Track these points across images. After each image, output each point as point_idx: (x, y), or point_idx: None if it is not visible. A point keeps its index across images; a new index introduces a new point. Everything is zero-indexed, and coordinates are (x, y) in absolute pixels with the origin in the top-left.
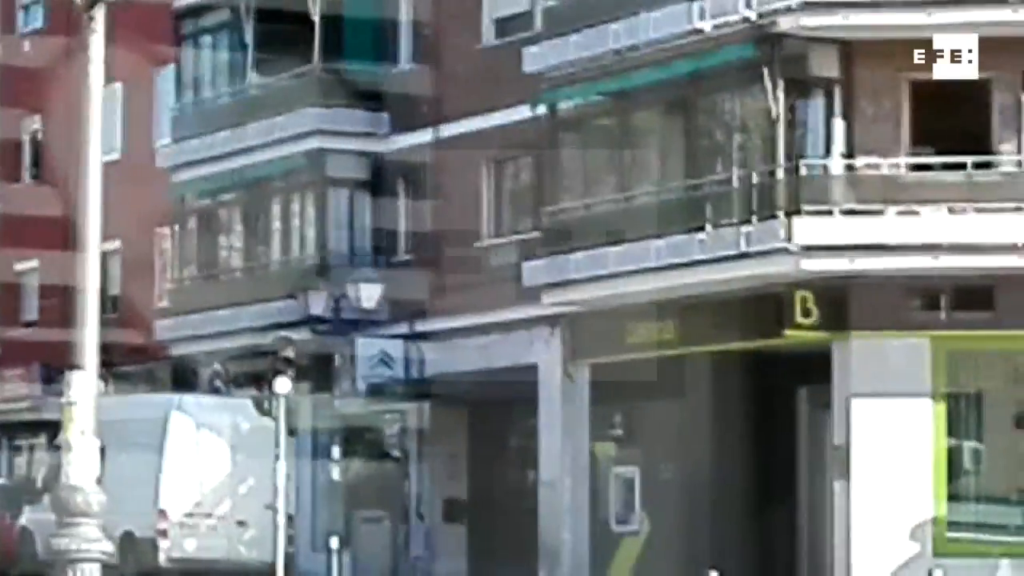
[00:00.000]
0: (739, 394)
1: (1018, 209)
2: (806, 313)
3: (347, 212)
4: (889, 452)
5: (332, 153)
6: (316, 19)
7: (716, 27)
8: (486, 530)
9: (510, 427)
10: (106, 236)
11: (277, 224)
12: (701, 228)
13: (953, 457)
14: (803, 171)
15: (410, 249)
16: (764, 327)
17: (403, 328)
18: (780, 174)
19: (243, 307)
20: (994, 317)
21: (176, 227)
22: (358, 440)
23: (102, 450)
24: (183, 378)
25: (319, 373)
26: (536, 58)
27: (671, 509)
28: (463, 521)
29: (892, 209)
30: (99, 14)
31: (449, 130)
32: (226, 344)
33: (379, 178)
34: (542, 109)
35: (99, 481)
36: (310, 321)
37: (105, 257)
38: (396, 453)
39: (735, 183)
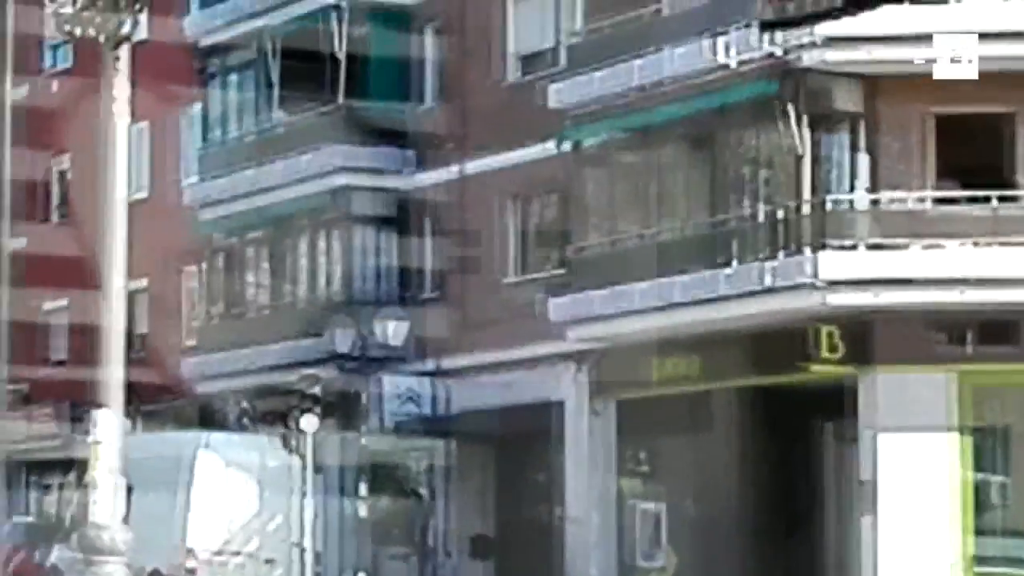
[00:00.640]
0: (765, 429)
1: None
2: (832, 348)
3: (372, 249)
4: (915, 487)
5: (357, 190)
6: (341, 57)
7: (740, 62)
8: (513, 567)
9: (536, 463)
10: (133, 275)
11: (303, 262)
12: (726, 263)
13: (979, 491)
14: (828, 206)
15: (435, 286)
16: (789, 362)
17: (429, 365)
18: (805, 209)
19: (269, 345)
20: (1020, 351)
21: (202, 265)
22: (385, 477)
23: (129, 488)
24: (210, 416)
25: (345, 410)
26: (561, 94)
27: (697, 545)
28: (490, 558)
29: (917, 243)
30: (124, 54)
31: (474, 167)
32: (252, 382)
33: (404, 215)
34: (567, 145)
35: (125, 520)
36: (336, 358)
37: (132, 296)
38: (423, 490)
39: (760, 218)
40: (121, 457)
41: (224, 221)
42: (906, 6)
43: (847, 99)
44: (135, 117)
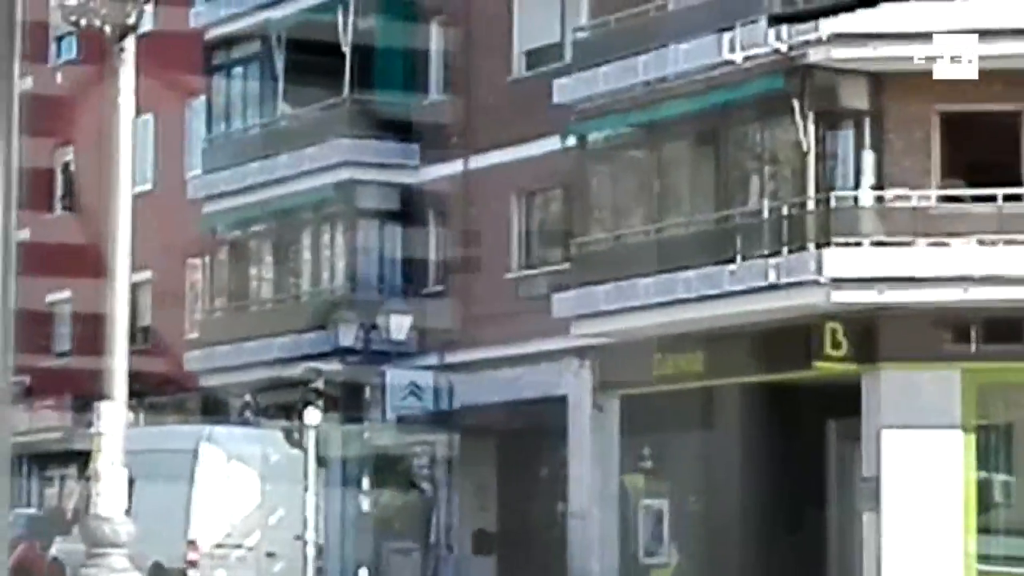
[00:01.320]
0: (768, 426)
1: None
2: (836, 345)
3: (377, 243)
4: (919, 484)
5: (362, 184)
6: (347, 51)
7: (746, 59)
8: (515, 562)
9: (539, 458)
10: (137, 267)
11: (307, 255)
12: (731, 260)
13: (983, 490)
14: (833, 203)
15: (440, 280)
16: (793, 359)
17: (433, 359)
18: (810, 206)
19: (273, 338)
20: None
21: (206, 258)
22: (388, 471)
23: (130, 481)
24: (213, 409)
25: (349, 404)
26: (566, 90)
27: (700, 541)
28: (492, 553)
29: (922, 241)
30: (129, 45)
31: (479, 161)
32: (256, 375)
33: (409, 209)
34: (572, 141)
35: (127, 512)
36: (340, 352)
37: (136, 288)
38: (425, 484)
39: (765, 215)
40: (124, 449)
41: (228, 214)
42: (913, 3)
43: (853, 96)
44: (140, 109)
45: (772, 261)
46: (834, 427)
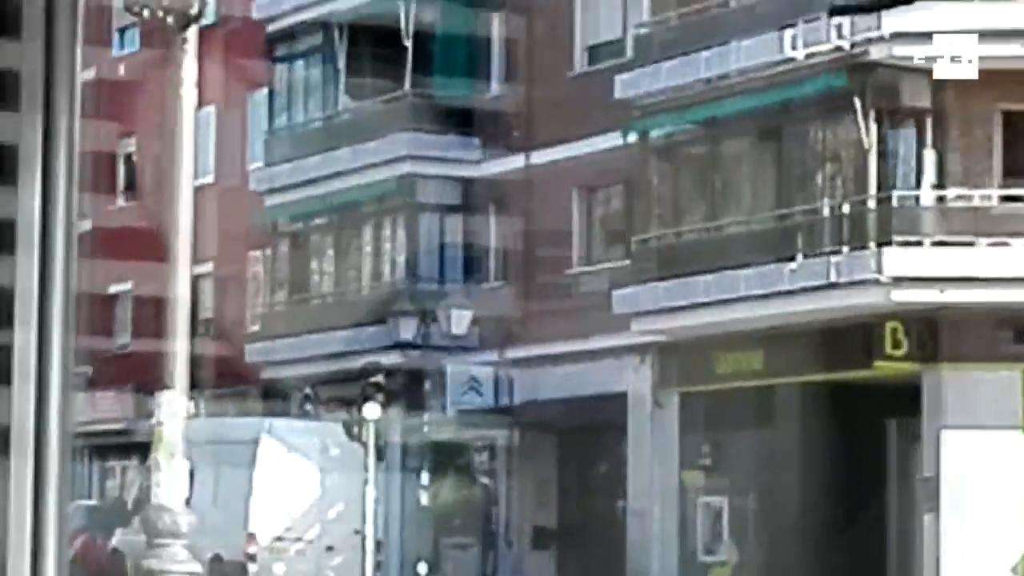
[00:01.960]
0: (827, 425)
1: None
2: (896, 344)
3: (438, 237)
4: (979, 485)
5: (423, 178)
6: (408, 44)
7: (808, 56)
8: (574, 558)
9: (599, 455)
10: (198, 259)
11: (368, 249)
12: (791, 258)
13: None
14: (894, 202)
15: (500, 275)
16: (853, 358)
17: (493, 354)
18: (871, 204)
19: (333, 331)
20: None
21: (268, 251)
22: (447, 466)
23: (191, 472)
24: (273, 401)
25: (409, 398)
26: (627, 85)
27: (759, 539)
28: (551, 549)
29: (983, 241)
30: (192, 36)
31: (540, 156)
32: (316, 368)
33: (469, 203)
34: (633, 137)
35: (188, 502)
36: (400, 346)
37: (197, 280)
38: (485, 479)
39: (826, 213)
40: (184, 440)
41: (290, 207)
42: (976, 3)
43: (915, 94)
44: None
45: (832, 260)
46: (894, 427)
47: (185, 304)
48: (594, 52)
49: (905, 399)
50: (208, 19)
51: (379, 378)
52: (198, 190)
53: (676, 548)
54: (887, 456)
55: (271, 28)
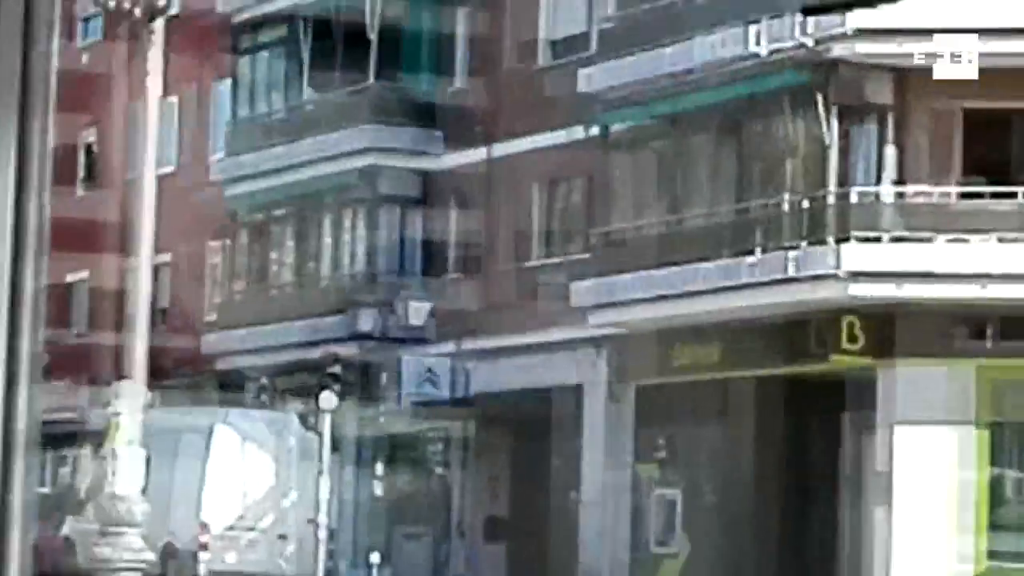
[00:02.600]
0: (783, 418)
1: None
2: (852, 339)
3: (398, 229)
4: (931, 480)
5: (384, 170)
6: (373, 37)
7: (771, 52)
8: (527, 550)
9: (553, 447)
10: (157, 248)
11: (327, 240)
12: (750, 252)
13: (995, 486)
14: (853, 197)
15: (459, 267)
16: (810, 352)
17: (450, 346)
18: (831, 200)
19: (292, 322)
20: None
21: (227, 241)
22: (402, 457)
23: (147, 460)
24: (230, 391)
25: (365, 389)
26: (591, 79)
27: (712, 532)
28: (504, 540)
29: (941, 237)
30: (158, 27)
31: (502, 149)
32: (274, 358)
33: (431, 195)
34: (595, 130)
35: (144, 491)
36: (358, 337)
37: (156, 269)
38: (439, 470)
39: (785, 207)
40: (141, 429)
41: (250, 197)
42: None
43: (876, 91)
44: (166, 91)
45: (791, 254)
46: (848, 421)
47: (145, 295)
48: (558, 46)
49: (860, 393)
50: (173, 9)
51: (336, 368)
52: (159, 179)
53: (628, 540)
54: (841, 450)
55: (236, 19)
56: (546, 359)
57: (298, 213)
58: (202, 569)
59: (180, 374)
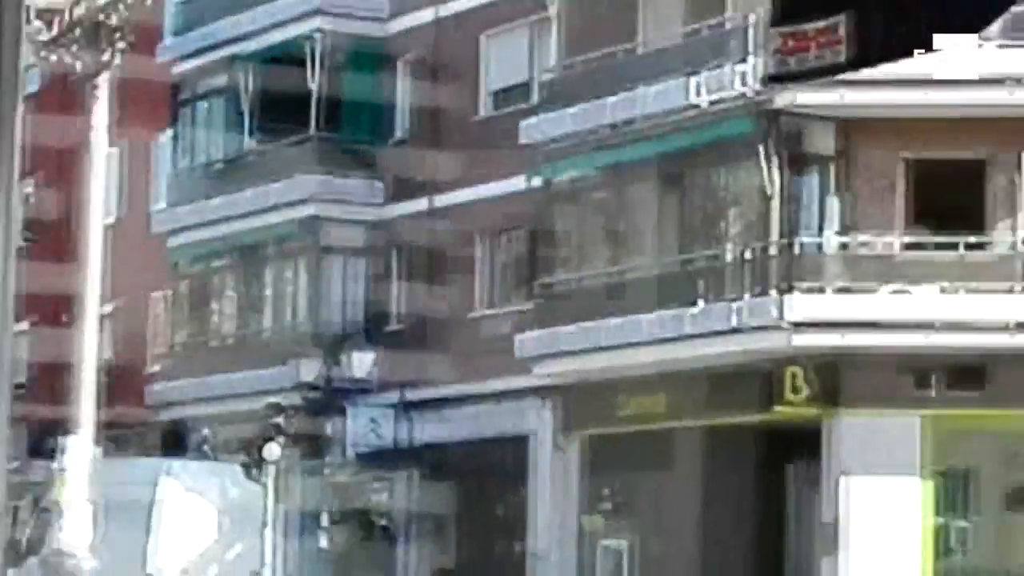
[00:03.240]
0: (730, 468)
1: (1010, 290)
2: (796, 389)
3: (340, 280)
4: (878, 529)
5: (327, 221)
6: (314, 87)
7: (713, 103)
8: None
9: (500, 498)
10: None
11: (269, 291)
12: (694, 303)
13: (941, 536)
14: (797, 248)
15: (403, 319)
16: (755, 402)
17: (394, 397)
18: (774, 250)
19: (234, 373)
20: (985, 396)
21: (169, 292)
22: (347, 508)
23: (94, 516)
24: (173, 443)
25: (309, 440)
26: (533, 130)
27: None
28: None
29: (885, 288)
30: (103, 82)
31: (444, 200)
32: (217, 409)
33: (373, 246)
34: (538, 181)
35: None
36: (301, 388)
37: (99, 320)
38: (385, 522)
39: (728, 258)
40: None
41: (192, 248)
42: None
43: (819, 141)
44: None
45: (735, 305)
46: (794, 471)
47: (92, 345)
48: (500, 96)
49: (805, 443)
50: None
51: (279, 420)
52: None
53: None
54: (787, 500)
55: (176, 69)
56: (491, 409)
57: (240, 263)
58: None
59: (123, 425)
